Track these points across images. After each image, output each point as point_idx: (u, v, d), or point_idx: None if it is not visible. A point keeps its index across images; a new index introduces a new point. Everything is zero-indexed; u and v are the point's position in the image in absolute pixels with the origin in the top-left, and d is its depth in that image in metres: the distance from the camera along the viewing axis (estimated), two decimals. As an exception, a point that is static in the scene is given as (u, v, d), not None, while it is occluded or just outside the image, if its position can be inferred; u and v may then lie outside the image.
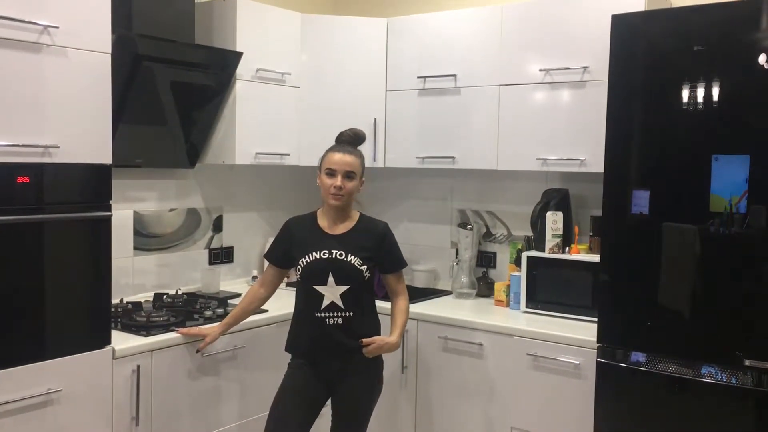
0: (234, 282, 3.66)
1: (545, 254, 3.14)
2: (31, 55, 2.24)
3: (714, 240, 2.45)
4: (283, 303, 3.01)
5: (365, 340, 2.54)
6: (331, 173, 2.56)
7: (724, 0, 2.49)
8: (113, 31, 2.46)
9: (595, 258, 2.86)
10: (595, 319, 2.73)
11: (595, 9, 2.92)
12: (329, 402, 2.64)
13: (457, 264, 3.55)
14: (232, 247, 3.69)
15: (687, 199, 2.50)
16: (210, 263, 3.58)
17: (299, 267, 2.57)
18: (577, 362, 2.77)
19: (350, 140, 2.65)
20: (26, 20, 2.20)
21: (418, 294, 3.45)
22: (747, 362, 2.38)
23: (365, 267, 2.55)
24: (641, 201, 2.58)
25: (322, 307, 2.53)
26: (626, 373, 2.61)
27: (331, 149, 2.61)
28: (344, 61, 3.53)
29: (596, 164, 2.86)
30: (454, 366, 3.09)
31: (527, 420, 2.92)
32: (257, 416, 2.94)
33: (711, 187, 2.43)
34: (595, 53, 2.90)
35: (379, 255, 2.62)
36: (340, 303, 2.53)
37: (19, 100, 2.22)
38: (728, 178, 2.40)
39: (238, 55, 3.16)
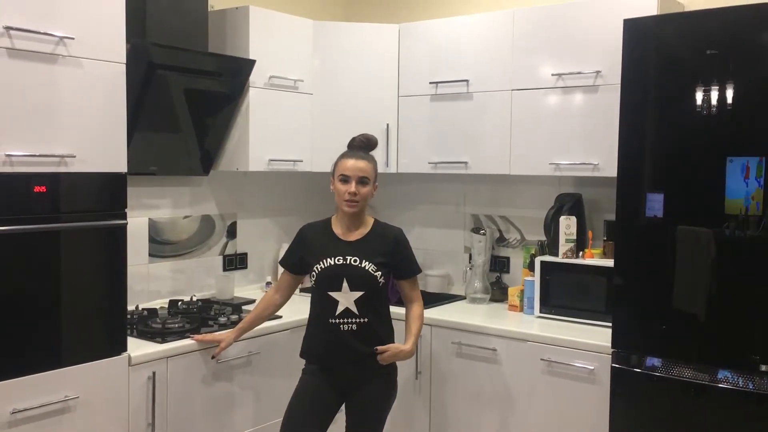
0: (248, 288, 3.67)
1: (559, 259, 3.13)
2: (47, 66, 2.27)
3: (729, 243, 2.43)
4: (297, 309, 3.02)
5: (380, 348, 2.54)
6: (345, 179, 2.57)
7: (736, 4, 2.48)
8: (127, 41, 2.49)
9: (609, 262, 2.85)
10: (610, 324, 2.72)
11: (607, 13, 2.92)
12: (343, 408, 2.65)
13: (470, 269, 3.55)
14: (246, 254, 3.71)
15: (701, 201, 2.49)
16: (224, 269, 3.60)
17: (314, 273, 2.58)
18: (592, 367, 2.76)
19: (362, 146, 2.66)
20: (42, 31, 2.23)
21: (431, 299, 3.44)
22: (763, 367, 2.36)
23: (380, 273, 2.56)
24: (655, 204, 2.57)
25: (337, 313, 2.54)
26: (641, 379, 2.60)
27: (344, 155, 2.62)
28: (356, 68, 3.54)
29: (609, 168, 2.85)
30: (468, 372, 3.09)
31: (542, 425, 2.90)
32: (272, 422, 2.95)
33: (725, 189, 2.41)
34: (607, 57, 2.90)
35: (393, 261, 2.62)
36: (354, 309, 2.53)
37: (35, 110, 2.25)
38: (743, 180, 2.38)
39: (251, 63, 3.18)
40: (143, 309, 3.03)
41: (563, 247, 3.13)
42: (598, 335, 2.82)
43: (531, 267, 3.25)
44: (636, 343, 2.64)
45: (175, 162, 3.25)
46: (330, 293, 2.54)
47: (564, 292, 3.12)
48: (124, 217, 2.50)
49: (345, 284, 2.53)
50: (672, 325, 2.55)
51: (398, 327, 2.69)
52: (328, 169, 2.67)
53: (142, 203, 3.21)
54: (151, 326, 2.82)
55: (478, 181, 3.66)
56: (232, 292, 3.46)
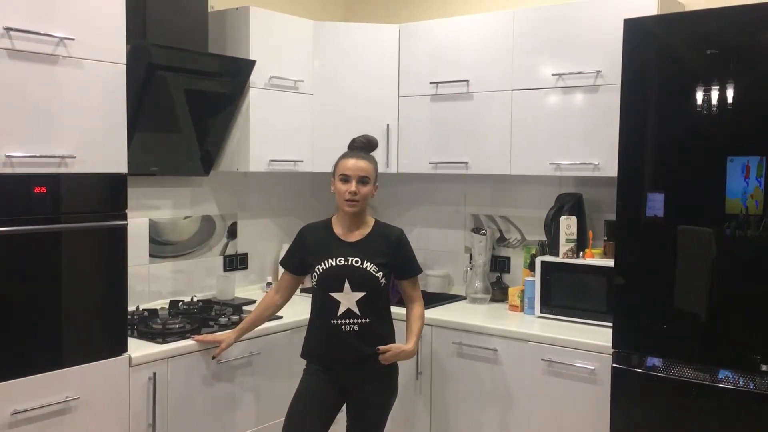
0: (249, 288, 3.67)
1: (559, 259, 3.13)
2: (47, 67, 2.27)
3: (730, 242, 2.43)
4: (297, 309, 3.02)
5: (381, 348, 2.54)
6: (346, 179, 2.57)
7: (736, 3, 2.48)
8: (128, 41, 2.49)
9: (610, 262, 2.85)
10: (610, 324, 2.72)
11: (607, 13, 2.92)
12: (344, 408, 2.65)
13: (470, 269, 3.55)
14: (246, 254, 3.71)
15: (702, 201, 2.49)
16: (225, 270, 3.60)
17: (315, 274, 2.58)
18: (593, 368, 2.76)
19: (363, 147, 2.66)
20: (42, 32, 2.23)
21: (432, 299, 3.44)
22: (764, 367, 2.36)
23: (381, 273, 2.56)
24: (656, 204, 2.57)
25: (339, 314, 2.54)
26: (642, 379, 2.60)
27: (345, 155, 2.62)
28: (357, 68, 3.54)
29: (610, 168, 2.85)
30: (469, 372, 3.09)
31: (542, 426, 2.90)
32: (273, 422, 2.95)
33: (726, 189, 2.41)
34: (607, 57, 2.90)
35: (394, 261, 2.62)
36: (356, 310, 2.54)
37: (35, 111, 2.25)
38: (743, 179, 2.38)
39: (251, 63, 3.18)
40: (144, 309, 3.03)
41: (564, 247, 3.13)
42: (599, 335, 2.82)
43: (531, 267, 3.25)
44: (637, 343, 2.63)
45: (175, 162, 3.25)
46: (331, 294, 2.55)
47: (564, 292, 3.12)
48: (124, 217, 2.50)
49: (347, 285, 2.53)
50: (673, 325, 2.55)
51: (399, 327, 2.69)
52: (329, 169, 2.68)
53: (143, 204, 3.21)
54: (151, 327, 2.82)
55: (479, 181, 3.66)
56: (232, 293, 3.46)
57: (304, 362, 2.68)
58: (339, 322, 2.54)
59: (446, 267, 3.81)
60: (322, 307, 2.58)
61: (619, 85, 2.63)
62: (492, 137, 3.27)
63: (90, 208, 2.42)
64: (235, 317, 3.01)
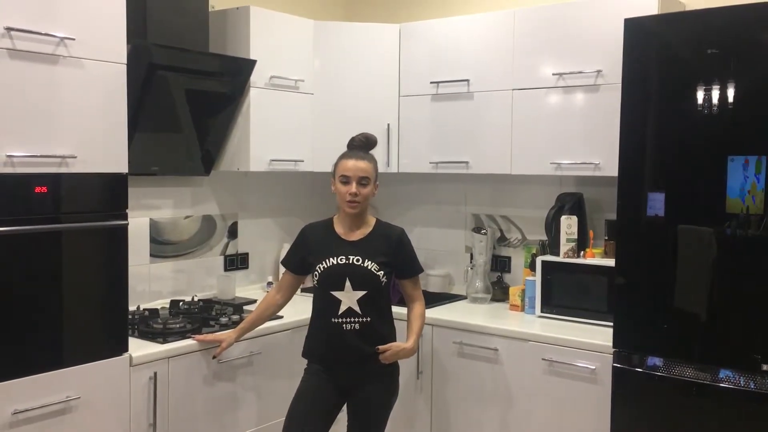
0: (249, 288, 3.67)
1: (560, 258, 3.13)
2: (48, 67, 2.27)
3: (730, 242, 2.43)
4: (298, 309, 3.02)
5: (381, 347, 2.54)
6: (346, 180, 2.57)
7: (736, 3, 2.48)
8: (128, 41, 2.49)
9: (610, 262, 2.85)
10: (611, 324, 2.72)
11: (607, 13, 2.92)
12: (345, 408, 2.65)
13: (471, 268, 3.55)
14: (247, 254, 3.71)
15: (703, 201, 2.49)
16: (225, 270, 3.60)
17: (316, 273, 2.58)
18: (593, 367, 2.76)
19: (362, 145, 2.66)
20: (43, 32, 2.23)
21: (432, 299, 3.44)
22: (765, 367, 2.36)
23: (382, 272, 2.56)
24: (656, 204, 2.57)
25: (339, 312, 2.54)
26: (643, 378, 2.60)
27: (344, 156, 2.62)
28: (357, 68, 3.54)
29: (610, 168, 2.85)
30: (470, 371, 3.09)
31: (543, 425, 2.90)
32: (274, 422, 2.95)
33: (727, 188, 2.41)
34: (608, 57, 2.89)
35: (395, 260, 2.63)
36: (357, 308, 2.54)
37: (36, 111, 2.25)
38: (744, 178, 2.38)
39: (252, 63, 3.18)
40: (144, 309, 3.03)
41: (564, 246, 3.13)
42: (600, 335, 2.82)
43: (532, 267, 3.25)
44: (637, 342, 2.63)
45: (176, 162, 3.25)
46: (333, 293, 2.55)
47: (565, 292, 3.12)
48: (125, 217, 2.50)
49: (348, 283, 2.53)
50: (673, 325, 2.55)
51: (400, 327, 2.69)
52: (329, 169, 2.68)
53: (143, 203, 3.21)
54: (152, 326, 2.82)
55: (479, 181, 3.66)
56: (233, 293, 3.46)
57: (304, 362, 2.68)
58: (340, 320, 2.54)
59: (447, 267, 3.81)
60: (323, 306, 2.58)
61: (620, 85, 2.63)
62: (492, 137, 3.27)
63: (90, 208, 2.42)
64: (235, 317, 3.02)
